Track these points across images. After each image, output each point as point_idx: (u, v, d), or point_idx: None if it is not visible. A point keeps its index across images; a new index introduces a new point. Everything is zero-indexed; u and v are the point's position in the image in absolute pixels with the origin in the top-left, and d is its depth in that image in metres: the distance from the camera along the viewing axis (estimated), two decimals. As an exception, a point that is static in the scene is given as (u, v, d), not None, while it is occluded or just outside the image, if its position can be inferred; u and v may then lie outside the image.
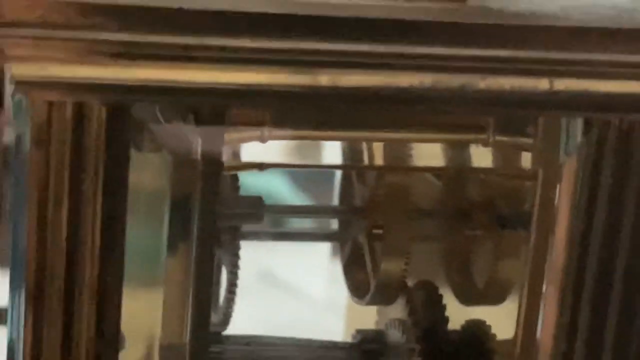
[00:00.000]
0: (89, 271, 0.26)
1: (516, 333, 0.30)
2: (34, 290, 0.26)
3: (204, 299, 0.29)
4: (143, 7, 0.24)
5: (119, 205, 0.26)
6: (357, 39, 0.25)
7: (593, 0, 0.28)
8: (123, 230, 0.26)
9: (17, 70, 0.24)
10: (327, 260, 0.52)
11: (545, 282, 0.29)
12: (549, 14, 0.27)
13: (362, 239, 0.38)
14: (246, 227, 0.36)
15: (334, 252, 0.41)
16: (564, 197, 0.28)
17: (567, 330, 0.28)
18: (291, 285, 0.66)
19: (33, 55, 0.24)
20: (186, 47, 0.24)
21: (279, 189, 0.80)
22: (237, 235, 0.35)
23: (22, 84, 0.24)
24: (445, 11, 0.26)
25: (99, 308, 0.26)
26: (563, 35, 0.26)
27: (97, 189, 0.25)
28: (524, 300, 0.30)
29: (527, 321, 0.29)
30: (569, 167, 0.28)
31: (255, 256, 0.39)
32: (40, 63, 0.24)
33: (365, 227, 0.37)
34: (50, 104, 0.25)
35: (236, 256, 0.36)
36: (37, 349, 0.26)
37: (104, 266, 0.26)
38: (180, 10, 0.24)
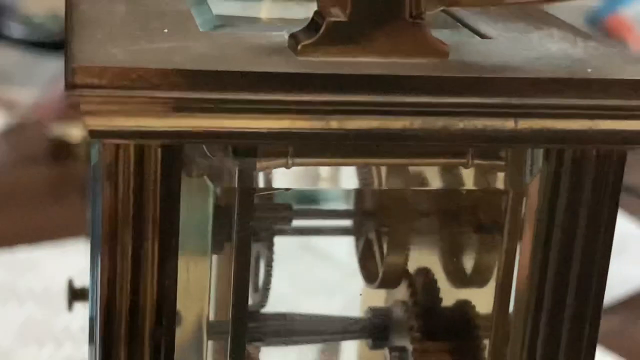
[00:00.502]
0: (150, 267, 0.27)
1: (493, 309, 0.31)
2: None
3: (244, 283, 0.30)
4: (187, 70, 0.25)
5: (174, 221, 0.27)
6: (360, 91, 0.26)
7: (550, 53, 0.29)
8: (177, 236, 0.27)
9: (90, 121, 0.25)
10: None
11: (515, 272, 0.30)
12: (514, 66, 0.28)
13: (372, 236, 0.39)
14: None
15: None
16: (529, 209, 0.30)
17: (533, 308, 0.30)
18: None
19: (102, 109, 0.25)
20: (223, 101, 0.25)
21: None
22: (272, 236, 0.37)
23: (94, 132, 0.25)
24: (431, 66, 0.27)
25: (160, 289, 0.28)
26: (525, 84, 0.27)
27: (155, 209, 0.27)
28: (499, 285, 0.31)
29: (501, 301, 0.31)
30: (533, 186, 0.29)
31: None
32: (108, 116, 0.25)
33: (374, 227, 0.39)
34: (117, 146, 0.26)
35: (272, 252, 0.37)
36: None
37: (163, 263, 0.27)
38: (217, 72, 0.25)
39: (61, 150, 0.95)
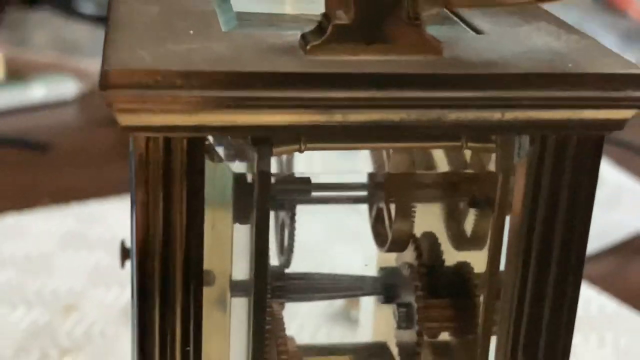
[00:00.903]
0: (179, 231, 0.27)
1: (486, 270, 0.32)
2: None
3: (264, 245, 0.30)
4: (205, 71, 0.25)
5: (199, 202, 0.27)
6: (361, 88, 0.26)
7: (536, 47, 0.28)
8: (202, 212, 0.27)
9: (122, 118, 0.25)
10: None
11: (505, 239, 0.30)
12: (502, 61, 0.27)
13: (382, 205, 0.39)
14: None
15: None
16: (517, 187, 0.29)
17: (521, 269, 0.30)
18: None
19: (132, 107, 0.25)
20: (239, 98, 0.25)
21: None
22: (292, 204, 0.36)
23: (126, 127, 0.25)
24: (425, 63, 0.27)
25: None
26: (511, 79, 0.26)
27: (182, 193, 0.26)
28: (491, 249, 0.30)
29: (493, 262, 0.31)
30: (521, 167, 0.29)
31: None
32: (138, 113, 0.25)
33: (384, 196, 0.38)
34: (148, 139, 0.26)
35: (294, 215, 0.37)
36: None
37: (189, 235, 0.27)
38: (232, 72, 0.25)
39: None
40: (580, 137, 0.28)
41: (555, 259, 0.29)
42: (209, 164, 0.27)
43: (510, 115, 0.27)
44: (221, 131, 0.27)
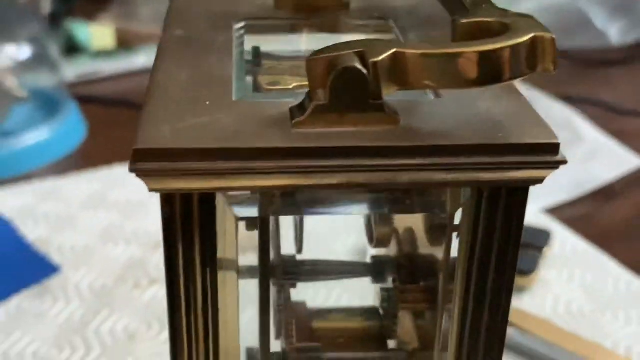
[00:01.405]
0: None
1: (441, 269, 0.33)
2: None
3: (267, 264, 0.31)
4: (210, 149, 0.26)
5: (212, 228, 0.28)
6: (332, 158, 0.27)
7: (478, 113, 0.28)
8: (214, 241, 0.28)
9: (148, 183, 0.27)
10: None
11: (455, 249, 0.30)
12: (448, 131, 0.27)
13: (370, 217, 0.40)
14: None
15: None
16: (462, 222, 0.29)
17: (466, 279, 0.30)
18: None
19: (156, 175, 0.26)
20: (236, 169, 0.26)
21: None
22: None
23: (152, 189, 0.27)
24: (384, 134, 0.27)
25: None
26: (452, 149, 0.27)
27: (194, 234, 0.28)
28: (443, 265, 0.31)
29: (445, 274, 0.31)
30: (465, 208, 0.29)
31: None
32: (160, 179, 0.26)
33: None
34: (169, 195, 0.27)
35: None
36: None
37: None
38: (231, 149, 0.26)
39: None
40: (508, 189, 0.28)
41: (491, 274, 0.30)
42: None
43: (452, 176, 0.28)
44: (224, 190, 0.28)
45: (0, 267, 0.61)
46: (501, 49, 0.27)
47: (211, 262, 0.29)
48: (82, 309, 0.60)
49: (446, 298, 0.33)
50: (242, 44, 0.36)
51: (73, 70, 0.95)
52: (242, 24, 0.38)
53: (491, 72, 0.27)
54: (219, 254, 0.29)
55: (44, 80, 0.85)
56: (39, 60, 0.85)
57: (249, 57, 0.38)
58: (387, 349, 0.38)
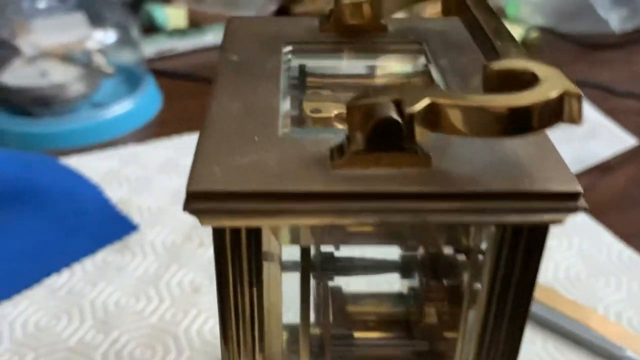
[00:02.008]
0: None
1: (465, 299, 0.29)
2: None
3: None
4: (253, 192, 0.23)
5: (259, 256, 0.25)
6: (368, 201, 0.23)
7: (505, 156, 0.25)
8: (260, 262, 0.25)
9: (201, 219, 0.24)
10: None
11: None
12: (475, 175, 0.24)
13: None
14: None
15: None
16: (487, 254, 0.26)
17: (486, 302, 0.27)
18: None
19: (208, 213, 0.23)
20: (278, 210, 0.23)
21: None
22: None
23: (204, 224, 0.23)
24: (417, 177, 0.24)
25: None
26: (479, 196, 0.23)
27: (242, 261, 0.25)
28: (468, 289, 0.28)
29: (470, 295, 0.28)
30: (489, 242, 0.26)
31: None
32: (212, 216, 0.23)
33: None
34: (220, 229, 0.24)
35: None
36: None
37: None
38: (272, 193, 0.23)
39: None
40: (530, 228, 0.25)
41: (510, 300, 0.27)
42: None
43: (479, 218, 0.24)
44: (268, 227, 0.24)
45: (89, 225, 0.59)
46: (532, 105, 0.23)
47: (257, 279, 0.26)
48: (155, 264, 0.58)
49: (469, 309, 0.30)
50: (289, 68, 0.33)
51: (151, 47, 0.91)
52: (289, 48, 0.34)
53: (520, 125, 0.23)
54: (265, 272, 0.26)
55: (127, 57, 0.82)
56: (123, 40, 0.81)
57: (295, 75, 0.35)
58: (411, 336, 0.36)
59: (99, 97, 0.79)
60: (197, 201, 0.23)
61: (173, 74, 0.88)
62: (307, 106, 0.31)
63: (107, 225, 0.60)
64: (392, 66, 0.36)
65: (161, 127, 0.78)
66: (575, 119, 0.23)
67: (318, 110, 0.30)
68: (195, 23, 0.99)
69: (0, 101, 0.76)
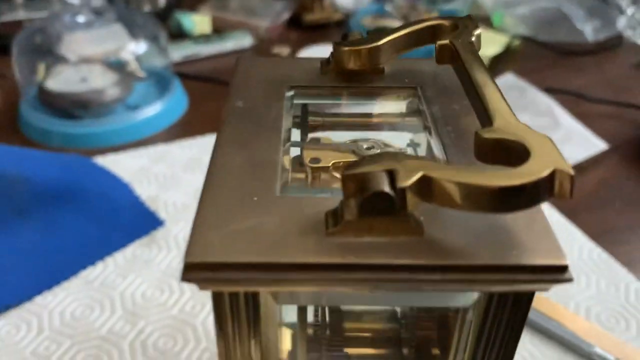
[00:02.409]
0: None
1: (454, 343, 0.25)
2: None
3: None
4: (247, 263, 0.19)
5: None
6: (361, 271, 0.20)
7: (495, 225, 0.21)
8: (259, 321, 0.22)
9: (199, 285, 0.20)
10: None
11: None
12: (464, 248, 0.20)
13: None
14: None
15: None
16: (474, 313, 0.23)
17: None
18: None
19: (204, 281, 0.20)
20: (272, 280, 0.19)
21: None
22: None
23: (203, 289, 0.20)
24: (409, 247, 0.20)
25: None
26: (468, 269, 0.20)
27: (241, 320, 0.22)
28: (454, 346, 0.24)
29: (459, 342, 0.25)
30: (477, 305, 0.22)
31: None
32: (209, 283, 0.20)
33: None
34: (217, 294, 0.21)
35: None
36: None
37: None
38: (286, 264, 0.19)
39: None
40: (516, 294, 0.21)
41: (494, 354, 0.24)
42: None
43: (468, 287, 0.21)
44: (264, 291, 0.21)
45: (121, 222, 0.56)
46: (523, 185, 0.19)
47: (255, 335, 0.23)
48: (178, 257, 0.55)
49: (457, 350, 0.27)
50: (292, 109, 0.29)
51: (178, 52, 0.87)
52: (292, 93, 0.30)
53: (511, 203, 0.20)
54: (263, 328, 0.23)
55: (157, 62, 0.78)
56: (153, 47, 0.78)
57: (298, 115, 0.31)
58: (402, 354, 0.33)
59: (132, 100, 0.75)
60: (195, 271, 0.20)
61: (197, 77, 0.84)
62: (307, 155, 0.27)
63: (137, 221, 0.58)
64: (388, 108, 0.32)
65: (187, 126, 0.74)
66: (566, 195, 0.20)
67: (317, 160, 0.27)
68: (219, 29, 0.94)
69: (45, 104, 0.72)
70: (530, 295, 0.22)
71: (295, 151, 0.29)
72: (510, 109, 0.23)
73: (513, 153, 0.21)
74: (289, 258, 0.20)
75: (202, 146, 0.70)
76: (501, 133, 0.22)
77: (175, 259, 0.55)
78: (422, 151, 0.31)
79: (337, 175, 0.27)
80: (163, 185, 0.63)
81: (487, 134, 0.22)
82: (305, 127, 0.31)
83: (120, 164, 0.66)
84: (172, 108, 0.76)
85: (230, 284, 0.20)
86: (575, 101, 0.76)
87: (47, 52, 0.75)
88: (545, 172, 0.19)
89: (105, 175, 0.62)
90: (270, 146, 0.26)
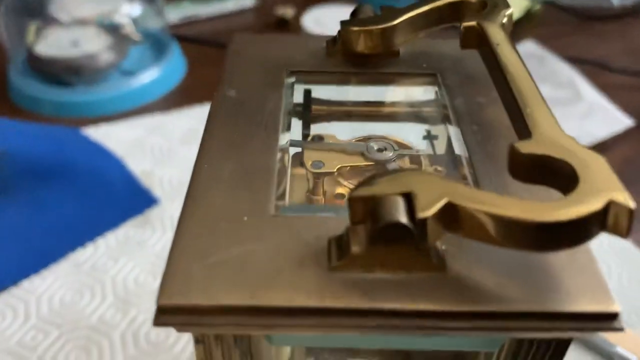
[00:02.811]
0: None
1: None
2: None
3: None
4: (230, 306, 0.16)
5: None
6: (368, 317, 0.16)
7: (529, 266, 0.18)
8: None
9: (176, 328, 0.17)
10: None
11: None
12: (494, 293, 0.17)
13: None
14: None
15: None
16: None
17: None
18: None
19: (179, 325, 0.16)
20: (261, 325, 0.16)
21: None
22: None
23: (180, 331, 0.17)
24: (428, 285, 0.17)
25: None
26: (499, 315, 0.16)
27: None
28: None
29: None
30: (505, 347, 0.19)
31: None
32: (184, 326, 0.17)
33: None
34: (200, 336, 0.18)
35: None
36: None
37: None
38: (278, 309, 0.16)
39: (282, 22, 0.83)
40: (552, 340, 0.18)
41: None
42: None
43: (497, 333, 0.17)
44: (254, 335, 0.18)
45: (113, 200, 0.53)
46: (570, 221, 0.16)
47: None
48: (173, 239, 0.52)
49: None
50: (292, 107, 0.25)
51: (175, 13, 0.82)
52: (292, 79, 0.26)
53: (554, 240, 0.16)
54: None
55: (153, 24, 0.73)
56: (149, 7, 0.73)
57: (299, 104, 0.27)
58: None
59: (127, 65, 0.71)
60: (171, 315, 0.17)
61: (196, 39, 0.79)
62: (308, 157, 0.23)
63: (130, 200, 0.54)
64: (403, 97, 0.28)
65: (185, 93, 0.70)
66: (622, 233, 0.16)
67: (320, 164, 0.23)
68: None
69: (35, 70, 0.68)
70: (569, 341, 0.18)
71: (295, 150, 0.25)
72: (553, 115, 0.19)
73: (557, 174, 0.17)
74: (283, 301, 0.17)
75: (201, 116, 0.66)
76: (543, 148, 0.18)
77: (170, 241, 0.51)
78: (440, 146, 0.27)
79: (344, 182, 0.23)
80: (159, 160, 0.60)
81: (526, 149, 0.18)
82: (307, 118, 0.27)
83: (113, 136, 0.62)
84: (169, 73, 0.72)
85: (214, 328, 0.17)
86: (598, 72, 0.71)
87: (37, 12, 0.70)
88: (598, 205, 0.16)
89: (97, 149, 0.58)
90: (266, 148, 0.22)
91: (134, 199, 0.54)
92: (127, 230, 0.52)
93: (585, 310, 0.17)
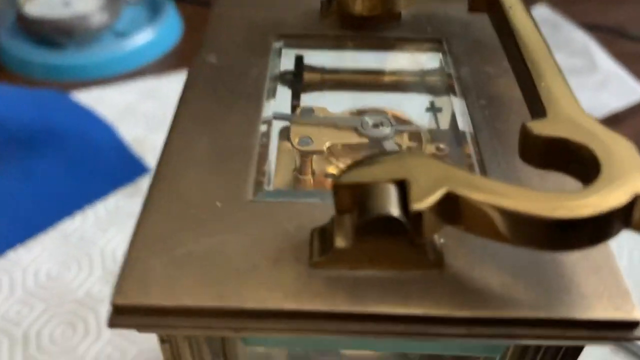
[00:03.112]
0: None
1: None
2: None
3: None
4: (196, 309, 0.14)
5: None
6: (349, 321, 0.14)
7: (538, 263, 0.15)
8: None
9: (141, 330, 0.15)
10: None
11: None
12: (497, 294, 0.15)
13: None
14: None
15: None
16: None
17: None
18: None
19: (137, 327, 0.14)
20: (234, 328, 0.14)
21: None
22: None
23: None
24: (422, 284, 0.14)
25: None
26: (504, 321, 0.14)
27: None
28: None
29: None
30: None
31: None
32: (143, 328, 0.14)
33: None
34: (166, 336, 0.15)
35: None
36: None
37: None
38: (251, 311, 0.14)
39: None
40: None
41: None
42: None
43: (500, 340, 0.15)
44: (226, 336, 0.16)
45: (103, 167, 0.51)
46: (590, 217, 0.13)
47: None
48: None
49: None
50: (278, 74, 0.23)
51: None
52: (281, 43, 0.24)
53: (572, 238, 0.14)
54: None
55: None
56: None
57: (289, 71, 0.25)
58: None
59: (120, 26, 0.68)
60: (126, 316, 0.15)
61: (193, 0, 0.76)
62: (295, 133, 0.21)
63: (121, 167, 0.52)
64: (404, 65, 0.25)
65: (181, 56, 0.67)
66: (649, 231, 0.14)
67: (308, 141, 0.21)
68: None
69: (25, 31, 0.65)
70: (581, 348, 0.16)
71: (281, 124, 0.22)
72: (571, 90, 0.17)
73: (575, 160, 0.15)
74: (255, 302, 0.14)
75: (197, 81, 0.64)
76: (560, 129, 0.15)
77: (161, 212, 0.49)
78: (445, 119, 0.25)
79: (334, 162, 0.21)
80: (151, 126, 0.57)
81: (539, 130, 0.15)
82: (297, 88, 0.24)
83: (106, 101, 0.59)
84: (164, 35, 0.69)
85: (178, 329, 0.15)
86: (614, 39, 0.68)
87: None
88: (622, 199, 0.13)
89: (86, 114, 0.56)
90: (247, 122, 0.20)
91: (124, 167, 0.52)
92: (118, 200, 0.50)
93: (601, 317, 0.15)
